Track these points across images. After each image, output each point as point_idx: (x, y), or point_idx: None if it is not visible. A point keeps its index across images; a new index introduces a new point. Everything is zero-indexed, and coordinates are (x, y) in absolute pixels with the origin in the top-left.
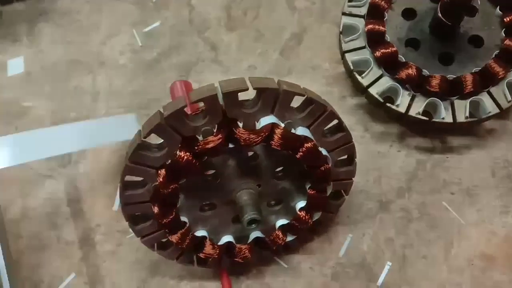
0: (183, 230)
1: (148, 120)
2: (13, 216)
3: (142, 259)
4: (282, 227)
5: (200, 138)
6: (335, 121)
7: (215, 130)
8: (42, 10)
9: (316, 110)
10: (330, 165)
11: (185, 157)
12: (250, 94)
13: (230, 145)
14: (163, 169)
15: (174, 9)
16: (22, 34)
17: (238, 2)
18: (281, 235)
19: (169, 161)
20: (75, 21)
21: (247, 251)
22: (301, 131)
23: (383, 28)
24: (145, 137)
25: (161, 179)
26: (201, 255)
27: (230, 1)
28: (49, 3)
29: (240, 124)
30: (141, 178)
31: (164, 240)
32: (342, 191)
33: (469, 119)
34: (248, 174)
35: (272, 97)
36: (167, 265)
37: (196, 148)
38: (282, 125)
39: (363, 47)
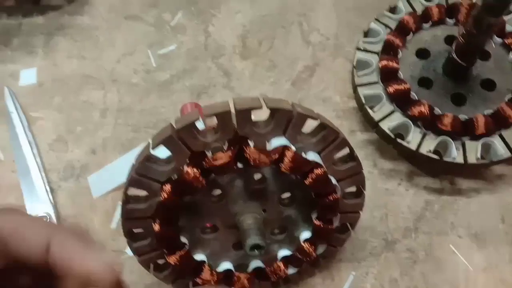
0: (182, 252)
1: (159, 132)
2: None
3: (135, 282)
4: (284, 258)
5: (209, 154)
6: (347, 150)
7: (225, 148)
8: (60, 24)
9: (329, 136)
10: (339, 195)
11: (192, 173)
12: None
13: (239, 165)
14: (169, 184)
15: (190, 34)
16: (38, 46)
17: (254, 32)
18: (282, 267)
19: (175, 176)
20: (92, 38)
21: (246, 280)
22: (311, 156)
23: (396, 65)
24: (153, 148)
25: (165, 195)
26: (198, 280)
27: (246, 31)
28: (69, 19)
29: (251, 144)
30: (145, 192)
31: (161, 261)
32: (348, 224)
33: (480, 161)
34: (254, 197)
35: (285, 118)
36: None
37: (204, 164)
38: (294, 148)
39: (376, 82)
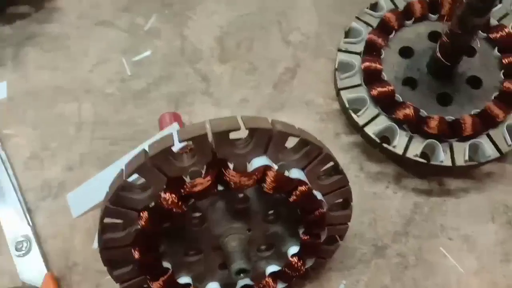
0: (165, 277)
1: (132, 159)
2: None
3: None
4: (272, 274)
5: (188, 179)
6: (331, 163)
7: (203, 172)
8: (30, 34)
9: (312, 152)
10: (325, 210)
11: (170, 200)
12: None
13: (219, 187)
14: (146, 212)
15: (166, 39)
16: (7, 58)
17: (232, 34)
18: (271, 283)
19: (153, 203)
20: (63, 47)
21: None
22: (295, 173)
23: (380, 66)
24: (127, 177)
25: (143, 223)
26: None
27: (223, 32)
28: (38, 28)
29: (231, 165)
30: (122, 221)
31: (145, 286)
32: (337, 236)
33: (468, 163)
34: (237, 217)
35: (265, 137)
36: None
37: (182, 190)
38: (275, 167)
39: (359, 85)
